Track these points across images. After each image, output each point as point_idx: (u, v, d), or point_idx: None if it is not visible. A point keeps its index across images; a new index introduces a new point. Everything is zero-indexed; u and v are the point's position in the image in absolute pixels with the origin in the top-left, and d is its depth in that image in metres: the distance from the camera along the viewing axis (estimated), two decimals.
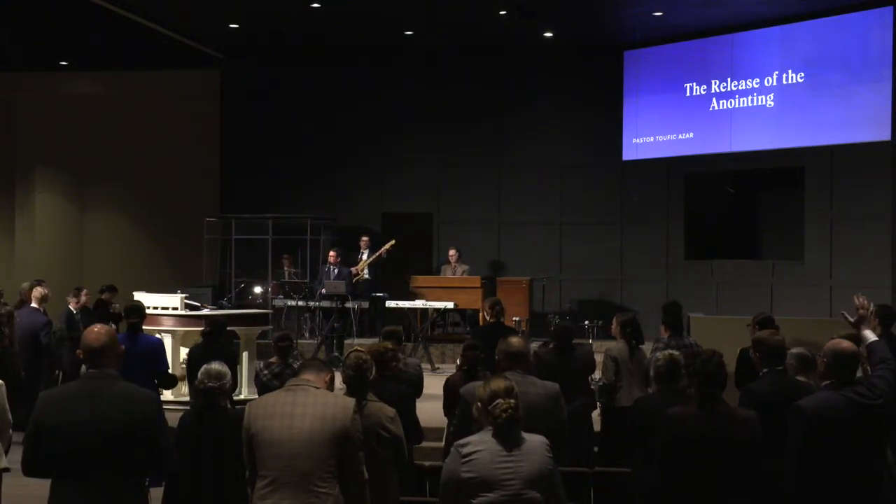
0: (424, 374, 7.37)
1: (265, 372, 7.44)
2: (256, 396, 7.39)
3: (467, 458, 3.93)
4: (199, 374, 5.19)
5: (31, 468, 4.07)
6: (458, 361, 8.40)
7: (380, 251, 13.99)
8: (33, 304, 10.08)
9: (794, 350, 5.80)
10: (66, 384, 4.64)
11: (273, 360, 7.55)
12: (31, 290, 10.30)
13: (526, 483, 3.90)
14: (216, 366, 5.18)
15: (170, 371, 8.07)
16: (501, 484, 3.89)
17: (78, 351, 4.23)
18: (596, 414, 7.66)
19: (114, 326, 11.65)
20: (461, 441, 4.03)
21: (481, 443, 3.96)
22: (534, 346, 8.25)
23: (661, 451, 4.59)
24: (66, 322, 11.27)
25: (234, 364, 8.16)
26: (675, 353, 5.71)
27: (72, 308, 11.61)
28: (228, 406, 5.22)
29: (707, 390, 4.55)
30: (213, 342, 8.26)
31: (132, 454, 3.99)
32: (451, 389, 6.61)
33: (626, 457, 5.86)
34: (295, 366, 7.70)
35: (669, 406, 4.78)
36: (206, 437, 5.00)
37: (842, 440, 4.37)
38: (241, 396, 10.04)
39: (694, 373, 4.66)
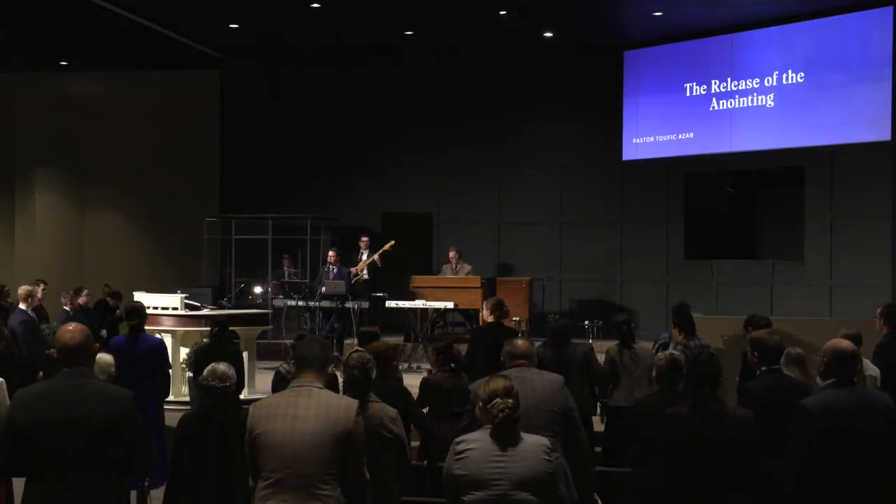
0: (424, 374, 7.37)
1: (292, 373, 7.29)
2: (260, 397, 7.39)
3: (460, 456, 3.94)
4: (205, 371, 5.15)
5: (5, 468, 4.06)
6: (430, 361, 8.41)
7: (375, 255, 13.94)
8: (20, 305, 10.08)
9: (790, 350, 5.80)
10: (41, 382, 4.61)
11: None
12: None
13: (515, 484, 3.87)
14: (223, 367, 5.14)
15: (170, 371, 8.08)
16: (490, 483, 3.87)
17: (52, 350, 4.22)
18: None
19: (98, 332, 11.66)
20: (458, 438, 4.05)
21: (476, 441, 3.96)
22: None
23: (661, 451, 4.60)
24: (64, 322, 11.24)
25: (238, 364, 8.15)
26: (677, 353, 5.70)
27: (66, 308, 11.60)
28: (231, 408, 5.20)
29: (700, 390, 4.55)
30: (219, 342, 8.28)
31: (110, 453, 3.96)
32: (430, 388, 6.79)
33: (625, 455, 5.87)
34: None
35: (668, 406, 4.78)
36: (209, 439, 4.96)
37: (847, 439, 4.35)
38: (242, 396, 10.04)
39: (686, 374, 4.64)
